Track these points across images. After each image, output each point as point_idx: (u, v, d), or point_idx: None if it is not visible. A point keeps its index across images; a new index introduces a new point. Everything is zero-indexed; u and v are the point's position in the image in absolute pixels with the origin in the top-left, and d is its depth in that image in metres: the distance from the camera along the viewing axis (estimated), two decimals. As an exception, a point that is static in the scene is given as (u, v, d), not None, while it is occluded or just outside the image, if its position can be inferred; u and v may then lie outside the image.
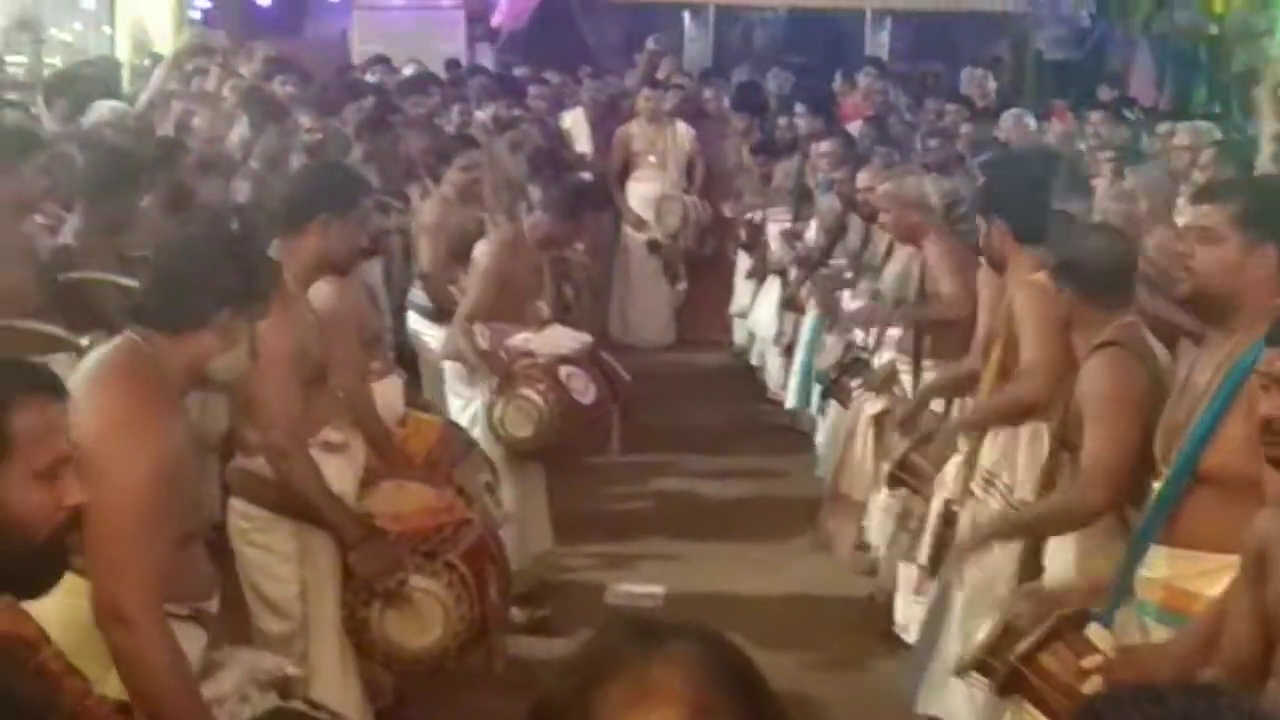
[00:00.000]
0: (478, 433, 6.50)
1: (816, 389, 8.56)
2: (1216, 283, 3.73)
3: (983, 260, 5.71)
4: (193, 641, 3.65)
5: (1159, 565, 3.78)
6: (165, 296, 3.70)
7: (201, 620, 3.71)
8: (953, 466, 5.40)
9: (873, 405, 6.86)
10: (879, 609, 6.56)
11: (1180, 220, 4.46)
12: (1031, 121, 10.75)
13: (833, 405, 7.87)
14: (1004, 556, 4.91)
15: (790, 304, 9.45)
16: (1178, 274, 3.83)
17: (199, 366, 3.67)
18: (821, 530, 7.41)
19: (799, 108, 11.97)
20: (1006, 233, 5.33)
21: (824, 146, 9.57)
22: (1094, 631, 3.71)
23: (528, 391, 6.55)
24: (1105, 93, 13.26)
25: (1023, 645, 3.71)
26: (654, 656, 1.78)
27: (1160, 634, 3.74)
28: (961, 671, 4.23)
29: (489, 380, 6.66)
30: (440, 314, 7.38)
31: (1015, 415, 5.11)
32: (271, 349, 4.51)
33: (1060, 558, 4.62)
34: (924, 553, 5.53)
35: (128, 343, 3.61)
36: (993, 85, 13.63)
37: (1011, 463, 5.10)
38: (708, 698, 1.76)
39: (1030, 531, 4.73)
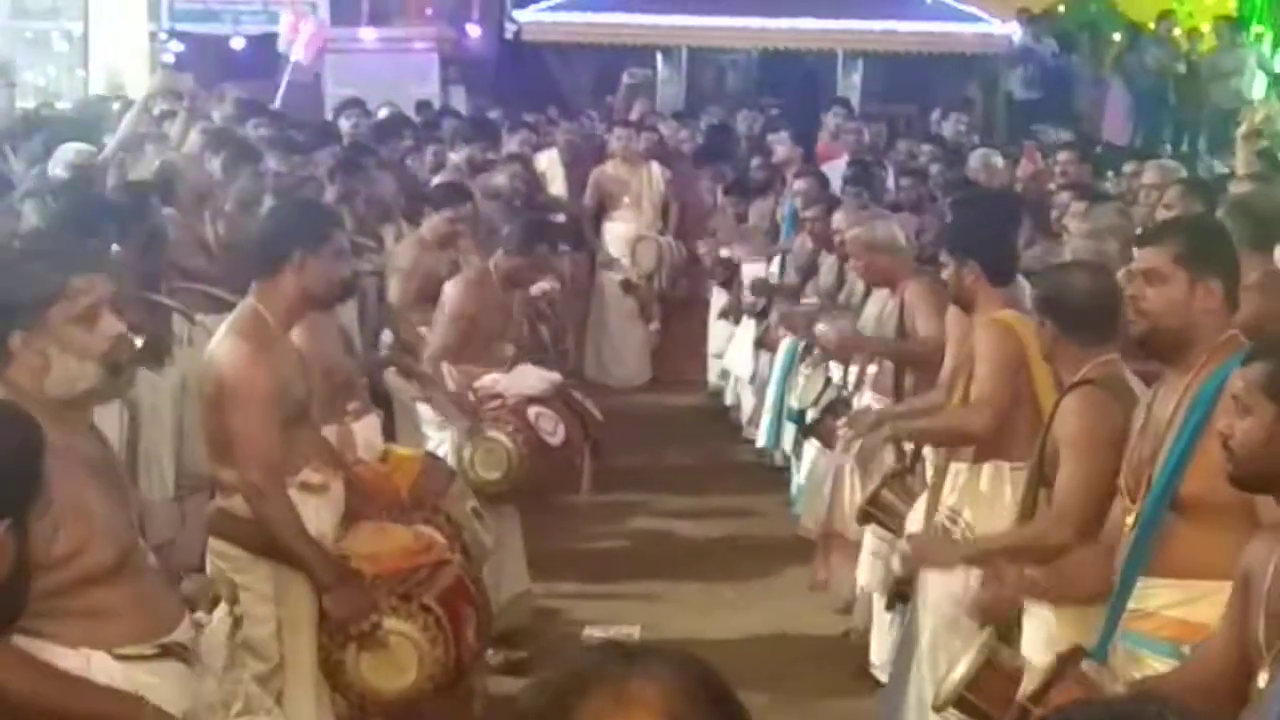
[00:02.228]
0: (449, 473, 6.51)
1: (790, 427, 8.58)
2: (1167, 321, 3.86)
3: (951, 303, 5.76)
4: (173, 680, 3.59)
5: (1144, 596, 3.82)
6: None
7: (178, 655, 3.62)
8: (921, 501, 5.42)
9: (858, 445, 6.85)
10: (855, 647, 6.57)
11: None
12: (999, 161, 10.84)
13: (810, 445, 7.88)
14: (968, 589, 4.93)
15: (763, 342, 9.49)
16: (1129, 316, 3.92)
17: (37, 393, 3.45)
18: (817, 571, 7.40)
19: (780, 134, 12.06)
20: (979, 273, 5.37)
21: (799, 185, 9.63)
22: (1089, 667, 3.72)
23: (496, 433, 6.54)
24: (1062, 134, 13.36)
25: (1031, 685, 3.71)
26: (633, 673, 1.84)
27: (1152, 663, 3.77)
28: (941, 708, 4.23)
29: (458, 421, 6.66)
30: (408, 353, 7.38)
31: (952, 440, 5.21)
32: (251, 388, 4.53)
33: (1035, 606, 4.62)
34: (885, 585, 5.57)
35: None
36: (962, 126, 13.75)
37: (973, 501, 5.12)
38: (685, 715, 1.82)
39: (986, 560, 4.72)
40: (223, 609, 4.18)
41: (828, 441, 7.24)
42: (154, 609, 3.61)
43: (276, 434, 4.57)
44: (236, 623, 4.19)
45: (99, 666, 3.45)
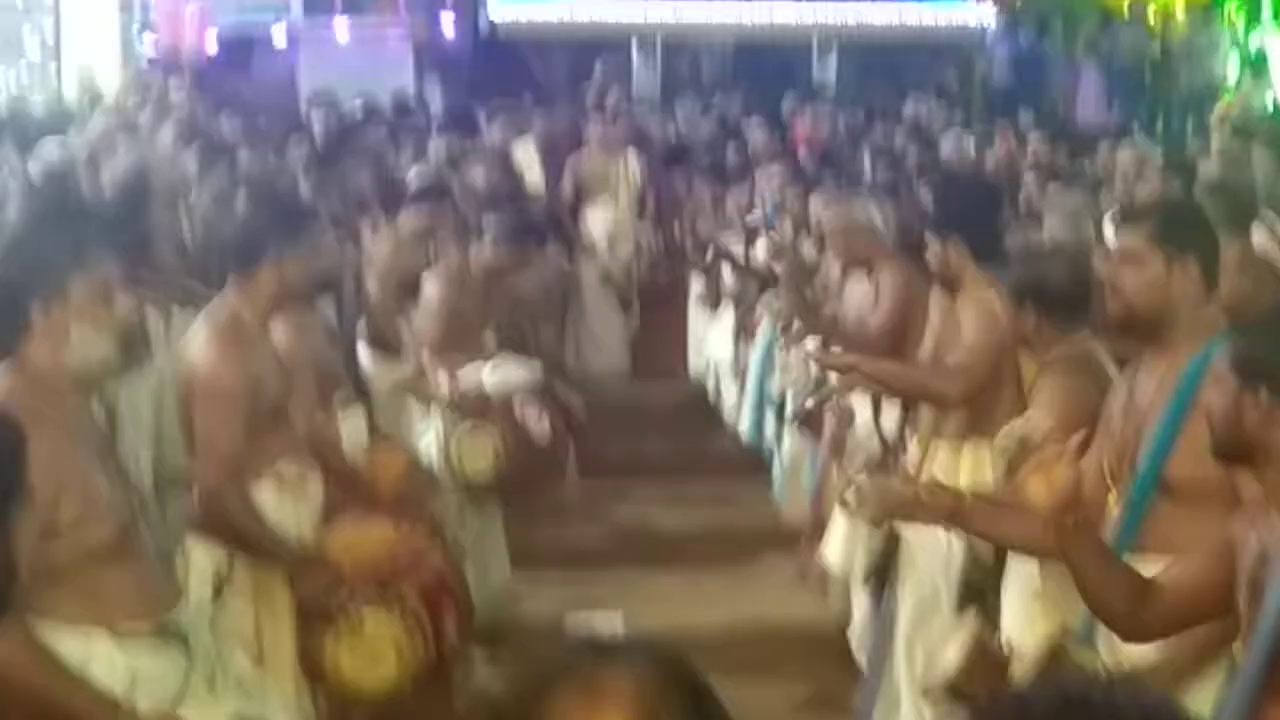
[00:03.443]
0: (432, 467, 6.50)
1: (770, 415, 8.58)
2: (1144, 301, 3.87)
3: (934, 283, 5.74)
4: (169, 660, 3.68)
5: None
6: None
7: (174, 633, 3.72)
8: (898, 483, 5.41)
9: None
10: (837, 634, 6.57)
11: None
12: (970, 141, 10.86)
13: (789, 433, 7.88)
14: (945, 572, 4.94)
15: (742, 330, 9.48)
16: (1107, 297, 3.94)
17: (51, 368, 3.61)
18: (804, 560, 7.40)
19: (754, 120, 12.05)
20: (963, 251, 5.35)
21: (773, 169, 9.63)
22: (1078, 650, 3.74)
23: (479, 425, 6.54)
24: (1025, 117, 13.42)
25: (1023, 671, 3.72)
26: (605, 666, 1.85)
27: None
28: (934, 696, 4.25)
29: (442, 417, 6.65)
30: (385, 346, 7.32)
31: (919, 394, 5.17)
32: (215, 383, 4.53)
33: (1016, 583, 4.61)
34: (863, 566, 5.57)
35: None
36: (923, 108, 13.82)
37: (954, 479, 5.10)
38: (656, 707, 1.83)
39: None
40: (205, 570, 4.26)
41: (817, 431, 7.24)
42: (152, 589, 3.74)
43: (238, 431, 4.55)
44: (217, 591, 4.31)
45: (99, 644, 3.56)
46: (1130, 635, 3.53)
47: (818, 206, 7.62)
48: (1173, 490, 3.77)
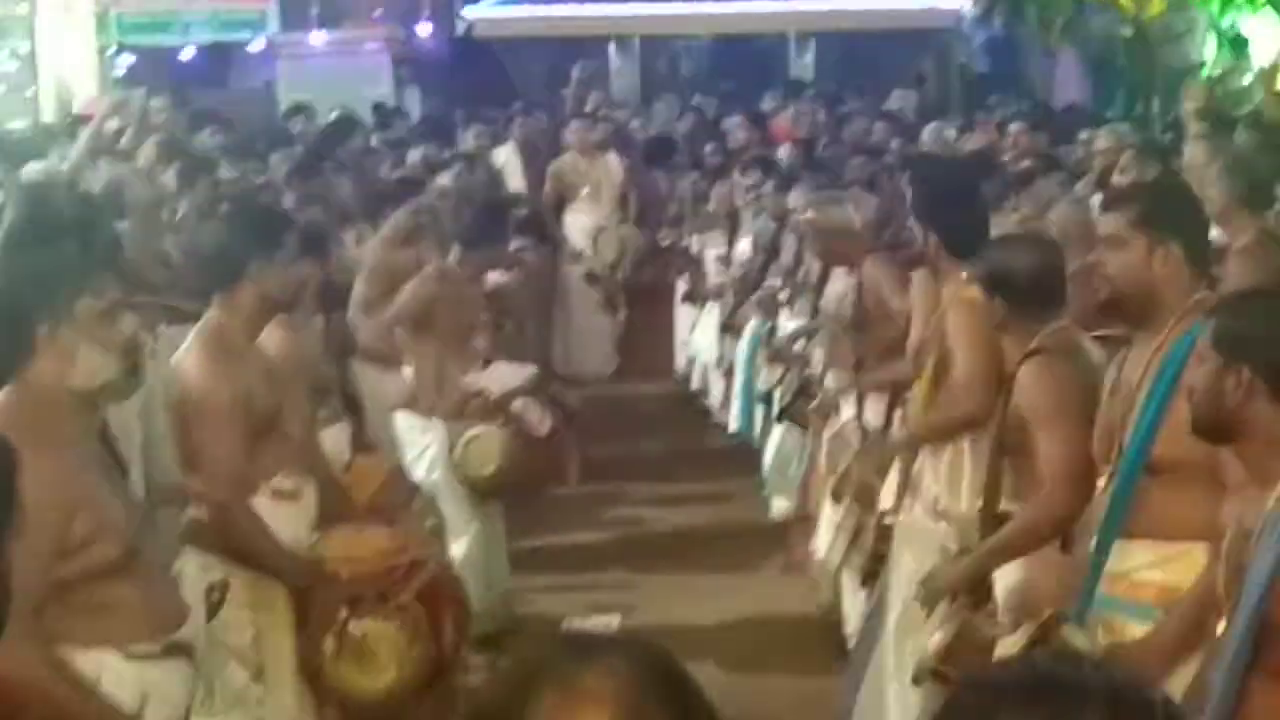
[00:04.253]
0: (437, 476, 6.53)
1: (759, 410, 8.61)
2: (1128, 285, 3.89)
3: (920, 268, 5.73)
4: (179, 677, 3.72)
5: (1118, 558, 3.85)
6: None
7: (184, 653, 3.74)
8: (891, 480, 5.43)
9: (829, 428, 6.87)
10: (832, 627, 6.59)
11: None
12: (951, 133, 10.89)
13: (778, 427, 7.91)
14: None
15: (728, 327, 9.51)
16: (1094, 283, 3.95)
17: (57, 389, 3.61)
18: (792, 553, 7.43)
19: (735, 119, 12.07)
20: (939, 245, 5.32)
21: (751, 173, 9.66)
22: (1069, 631, 3.75)
23: (485, 429, 6.58)
24: (1003, 104, 13.48)
25: (1011, 652, 3.73)
26: (588, 666, 1.84)
27: (1129, 626, 3.80)
28: (918, 680, 4.27)
29: (444, 425, 6.69)
30: (376, 357, 7.33)
31: (954, 432, 5.12)
32: (211, 401, 4.55)
33: (1006, 572, 4.61)
34: (859, 564, 5.58)
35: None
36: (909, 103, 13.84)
37: (956, 484, 5.10)
38: (639, 705, 1.82)
39: (1005, 557, 4.61)
40: (198, 585, 4.28)
41: (802, 424, 7.27)
42: (161, 607, 3.76)
43: (238, 446, 4.58)
44: (214, 608, 4.31)
45: (110, 668, 3.57)
46: None
47: (796, 205, 7.65)
48: (1159, 471, 3.79)
